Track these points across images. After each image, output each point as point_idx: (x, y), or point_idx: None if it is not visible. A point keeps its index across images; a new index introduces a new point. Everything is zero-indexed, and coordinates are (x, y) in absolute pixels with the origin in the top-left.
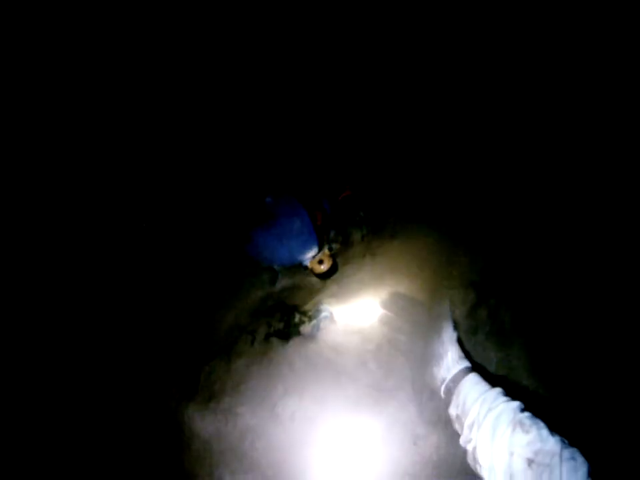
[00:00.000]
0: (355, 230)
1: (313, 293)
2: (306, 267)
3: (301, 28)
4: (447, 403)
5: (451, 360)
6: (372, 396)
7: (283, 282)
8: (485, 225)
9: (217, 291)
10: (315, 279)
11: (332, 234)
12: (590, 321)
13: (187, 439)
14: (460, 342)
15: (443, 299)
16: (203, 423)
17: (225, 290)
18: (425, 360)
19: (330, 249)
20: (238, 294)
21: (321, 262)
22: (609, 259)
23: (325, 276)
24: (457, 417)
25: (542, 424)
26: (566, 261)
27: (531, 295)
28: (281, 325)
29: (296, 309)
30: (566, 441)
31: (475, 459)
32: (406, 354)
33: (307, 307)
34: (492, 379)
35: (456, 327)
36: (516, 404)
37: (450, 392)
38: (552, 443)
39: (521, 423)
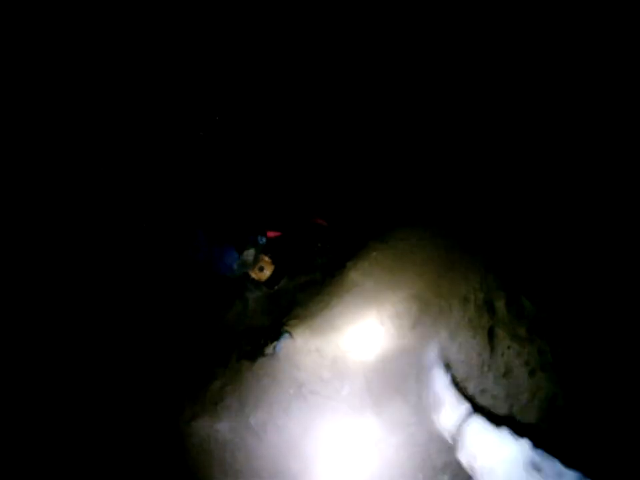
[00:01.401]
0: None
1: (278, 315)
2: (252, 279)
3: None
4: (455, 447)
5: (449, 407)
6: (329, 404)
7: (252, 306)
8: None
9: (195, 318)
10: (282, 300)
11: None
12: (603, 354)
13: (175, 457)
14: (456, 382)
15: (427, 341)
16: (189, 441)
17: (203, 318)
18: (424, 409)
19: (269, 256)
20: (214, 321)
21: (261, 269)
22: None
23: (272, 283)
24: (467, 462)
25: (556, 460)
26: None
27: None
28: (249, 347)
29: (261, 331)
30: (581, 473)
31: None
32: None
33: (270, 329)
34: (496, 417)
35: (448, 367)
36: (526, 443)
37: (455, 438)
38: (569, 479)
39: (534, 463)
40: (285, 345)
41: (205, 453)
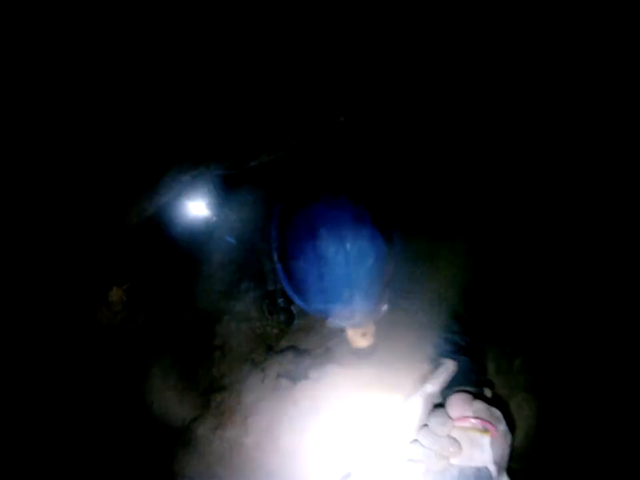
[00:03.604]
0: None
1: (325, 338)
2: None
3: None
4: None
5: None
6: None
7: (298, 323)
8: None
9: (234, 321)
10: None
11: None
12: None
13: (192, 460)
14: None
15: None
16: (209, 448)
17: (244, 323)
18: None
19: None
20: (255, 329)
21: (364, 334)
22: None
23: (365, 354)
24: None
25: None
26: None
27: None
28: (292, 367)
29: (307, 352)
30: None
31: None
32: None
33: (317, 352)
34: None
35: None
36: None
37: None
38: None
39: None
40: (332, 372)
41: (222, 463)
